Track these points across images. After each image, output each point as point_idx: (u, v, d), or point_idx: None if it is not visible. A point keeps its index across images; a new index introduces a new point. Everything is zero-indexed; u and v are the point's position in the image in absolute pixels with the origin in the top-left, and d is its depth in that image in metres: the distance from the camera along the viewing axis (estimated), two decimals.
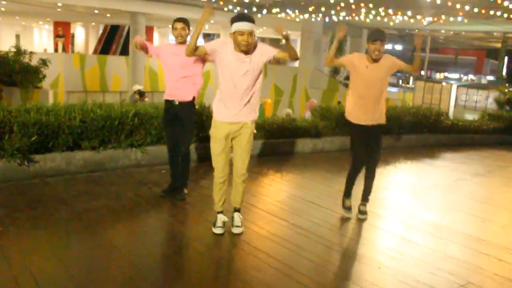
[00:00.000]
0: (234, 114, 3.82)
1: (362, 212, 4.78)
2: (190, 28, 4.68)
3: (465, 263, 3.81)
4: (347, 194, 4.83)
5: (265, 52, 3.79)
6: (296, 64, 26.43)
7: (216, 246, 3.88)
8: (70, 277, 3.13)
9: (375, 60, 4.44)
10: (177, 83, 4.67)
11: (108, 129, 5.62)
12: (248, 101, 3.85)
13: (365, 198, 4.83)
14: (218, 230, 4.02)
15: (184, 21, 4.65)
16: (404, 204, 5.43)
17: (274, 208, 4.87)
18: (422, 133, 9.72)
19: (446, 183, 6.73)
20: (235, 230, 4.06)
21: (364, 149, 4.66)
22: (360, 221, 4.70)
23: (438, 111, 10.35)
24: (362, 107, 4.58)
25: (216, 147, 3.92)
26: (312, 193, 5.47)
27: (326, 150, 8.06)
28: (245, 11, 21.32)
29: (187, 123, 4.76)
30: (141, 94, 11.82)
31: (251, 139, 3.97)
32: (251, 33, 3.58)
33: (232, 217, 4.12)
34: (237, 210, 4.14)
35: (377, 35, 4.36)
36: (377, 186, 5.82)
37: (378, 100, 4.57)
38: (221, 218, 4.06)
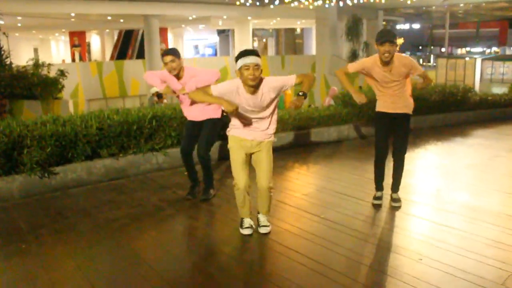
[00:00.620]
0: (249, 136, 3.76)
1: (395, 200, 4.56)
2: (180, 57, 4.51)
3: None
4: (378, 186, 4.63)
5: (274, 88, 3.61)
6: (313, 52, 26.04)
7: (246, 249, 3.71)
8: None
9: (387, 63, 4.19)
10: (189, 108, 4.69)
11: (126, 135, 5.50)
12: (266, 128, 3.77)
13: (395, 189, 4.62)
14: (246, 231, 3.87)
15: (173, 53, 4.46)
16: (439, 188, 5.14)
17: (303, 202, 4.66)
18: (450, 112, 9.34)
19: (480, 162, 6.39)
20: (263, 230, 3.89)
21: (386, 138, 4.48)
22: (395, 209, 4.46)
23: (465, 87, 9.91)
24: (384, 95, 4.41)
25: (235, 158, 3.78)
26: (341, 183, 5.24)
27: (351, 137, 7.80)
28: (257, 3, 21.07)
29: (209, 126, 4.66)
30: (159, 96, 11.74)
31: (271, 150, 3.84)
32: (256, 66, 3.45)
33: (258, 217, 3.97)
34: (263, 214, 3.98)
35: (385, 36, 4.07)
36: (407, 170, 5.54)
37: (400, 93, 4.36)
38: (248, 220, 3.92)
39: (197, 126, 4.74)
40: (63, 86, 13.53)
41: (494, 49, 45.12)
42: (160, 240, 3.89)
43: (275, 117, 3.80)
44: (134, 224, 4.17)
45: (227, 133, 3.85)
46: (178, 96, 4.71)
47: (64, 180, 5.12)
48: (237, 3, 19.74)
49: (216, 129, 4.79)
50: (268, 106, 3.66)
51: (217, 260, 3.52)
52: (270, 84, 3.58)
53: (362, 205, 4.57)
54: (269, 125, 3.76)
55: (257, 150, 3.78)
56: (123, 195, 4.98)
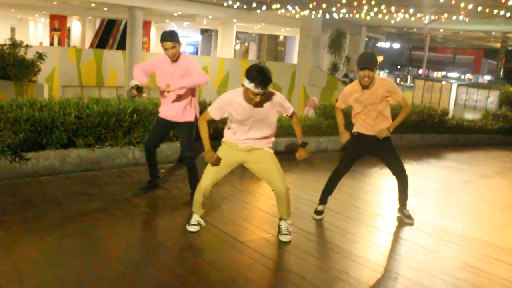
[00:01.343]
0: (245, 142, 3.72)
1: (409, 217, 4.62)
2: (180, 41, 4.39)
3: (486, 274, 3.58)
4: (324, 199, 4.62)
5: (277, 107, 3.67)
6: (295, 60, 26.17)
7: (219, 252, 3.63)
8: (62, 284, 2.88)
9: (366, 86, 4.22)
10: (169, 105, 4.53)
11: (104, 126, 5.35)
12: (265, 137, 3.75)
13: (405, 205, 4.67)
14: (192, 228, 3.86)
15: (173, 39, 4.30)
16: (414, 208, 5.17)
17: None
18: (427, 133, 9.50)
19: (454, 186, 6.51)
20: (284, 238, 3.84)
21: (356, 159, 4.56)
22: (409, 225, 4.54)
23: (443, 111, 10.12)
24: (366, 117, 4.40)
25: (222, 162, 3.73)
26: (317, 195, 5.14)
27: (330, 150, 7.83)
28: (245, 6, 21.05)
29: (187, 127, 4.53)
30: (138, 89, 11.54)
31: (274, 156, 3.82)
32: (263, 96, 3.45)
33: (279, 226, 3.94)
34: (285, 219, 3.94)
35: (365, 63, 4.09)
36: (383, 187, 5.61)
37: (380, 117, 4.38)
38: (196, 217, 3.91)
39: (169, 126, 4.63)
40: (39, 70, 13.19)
41: (468, 75, 46.45)
42: (132, 237, 3.77)
43: (273, 129, 3.78)
44: (106, 218, 4.04)
45: (222, 141, 3.82)
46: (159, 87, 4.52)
47: (36, 167, 4.93)
48: (225, 4, 19.68)
49: (194, 129, 4.62)
50: (263, 118, 3.62)
51: (190, 263, 3.43)
52: (272, 99, 3.59)
53: (338, 218, 4.57)
54: (269, 135, 3.74)
55: (255, 159, 3.73)
56: (96, 187, 4.83)
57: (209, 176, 3.74)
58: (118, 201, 4.47)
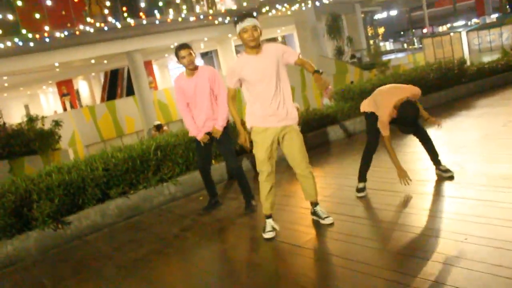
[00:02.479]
0: (271, 122, 3.75)
1: (447, 170, 4.56)
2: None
3: None
4: (363, 177, 4.60)
5: (276, 50, 3.70)
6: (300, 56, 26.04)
7: (280, 261, 3.53)
8: None
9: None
10: (201, 119, 4.70)
11: (133, 170, 5.36)
12: (285, 111, 3.75)
13: (439, 161, 4.61)
14: (268, 235, 3.85)
15: (188, 46, 4.54)
16: (463, 163, 4.97)
17: (326, 204, 4.49)
18: (450, 87, 9.20)
19: (495, 130, 6.23)
20: (327, 221, 3.90)
21: (378, 133, 4.43)
22: (450, 179, 4.48)
23: (460, 60, 9.80)
24: None
25: (259, 149, 3.79)
26: None
27: (358, 131, 7.65)
28: (235, 18, 21.12)
29: (224, 136, 4.66)
30: (158, 127, 11.65)
31: (300, 133, 3.87)
32: (254, 28, 3.56)
33: (315, 211, 4.01)
34: (316, 203, 4.01)
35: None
36: (424, 152, 5.40)
37: None
38: (270, 222, 3.91)
39: (209, 140, 4.76)
40: (60, 136, 13.47)
41: (474, 20, 45.27)
42: (190, 270, 3.71)
43: (288, 95, 3.78)
44: (160, 259, 4.00)
45: (247, 125, 3.85)
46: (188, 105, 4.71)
47: (79, 227, 4.96)
48: (216, 22, 19.79)
49: (230, 135, 4.78)
50: (274, 73, 3.65)
51: (254, 280, 3.33)
52: (271, 47, 3.69)
53: (388, 196, 4.40)
54: (286, 106, 3.73)
55: (284, 134, 3.77)
56: (141, 232, 4.81)
57: (263, 159, 3.76)
58: (167, 239, 4.44)
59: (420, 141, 4.58)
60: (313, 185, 3.94)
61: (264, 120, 3.72)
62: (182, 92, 4.64)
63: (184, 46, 4.50)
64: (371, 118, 4.43)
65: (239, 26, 3.55)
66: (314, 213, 4.03)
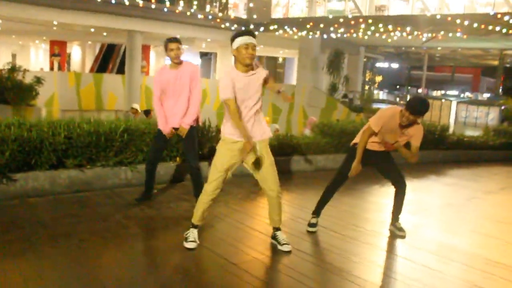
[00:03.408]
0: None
1: (401, 229, 4.57)
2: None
3: None
4: (319, 212, 4.62)
5: (263, 74, 3.78)
6: (294, 82, 26.21)
7: (213, 276, 3.44)
8: None
9: (404, 127, 4.22)
10: (172, 113, 4.69)
11: (95, 146, 5.21)
12: (256, 121, 3.77)
13: (396, 218, 4.62)
14: (190, 245, 3.79)
15: (178, 40, 4.63)
16: (419, 225, 4.99)
17: None
18: (428, 149, 9.33)
19: (459, 202, 6.32)
20: (285, 248, 3.84)
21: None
22: (402, 238, 4.48)
23: (443, 126, 9.98)
24: (378, 141, 4.38)
25: (219, 158, 3.75)
26: None
27: (328, 168, 7.64)
28: (243, 28, 21.16)
29: (191, 135, 4.67)
30: (147, 112, 11.42)
31: (270, 152, 3.84)
32: (254, 47, 3.58)
33: (275, 236, 3.94)
34: (278, 228, 3.96)
35: (416, 112, 4.04)
36: (385, 206, 5.43)
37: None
38: (194, 233, 3.88)
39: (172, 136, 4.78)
40: (37, 93, 13.17)
41: (467, 94, 46.50)
42: (121, 260, 3.58)
43: (262, 114, 3.84)
44: (95, 240, 3.86)
45: (221, 135, 3.82)
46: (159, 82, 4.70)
47: (24, 188, 4.78)
48: (222, 26, 19.80)
49: (195, 136, 4.80)
50: (258, 94, 3.71)
51: (180, 286, 3.23)
52: (260, 69, 3.75)
53: (336, 237, 4.37)
54: (262, 125, 3.77)
55: (257, 152, 3.72)
56: (86, 209, 4.66)
57: (218, 171, 3.72)
58: (108, 222, 4.30)
59: (395, 192, 4.55)
60: (280, 209, 3.89)
61: (237, 133, 3.68)
62: (160, 86, 4.66)
63: (175, 39, 4.59)
64: (355, 152, 4.39)
65: (241, 40, 3.52)
66: (273, 237, 3.97)
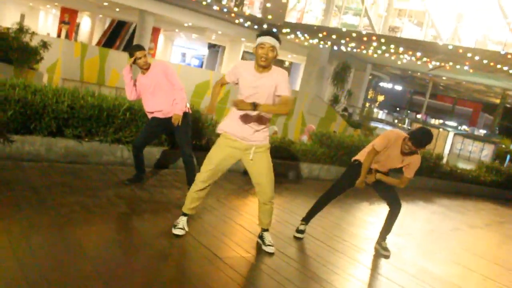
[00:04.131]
0: (242, 133, 3.66)
1: (386, 249, 4.62)
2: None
3: None
4: (308, 219, 4.66)
5: (277, 79, 3.53)
6: (297, 88, 26.27)
7: (195, 264, 3.45)
8: (25, 278, 2.69)
9: (409, 153, 4.30)
10: (154, 100, 4.75)
11: (96, 120, 5.21)
12: (260, 129, 3.68)
13: (385, 238, 4.69)
14: (178, 231, 3.80)
15: (144, 48, 4.76)
16: (400, 248, 5.05)
17: None
18: (420, 175, 9.41)
19: (442, 231, 6.39)
20: (269, 249, 3.87)
21: (349, 187, 4.57)
22: (385, 257, 4.53)
23: (438, 155, 10.07)
24: (379, 163, 4.45)
25: (215, 152, 3.74)
26: None
27: (321, 178, 7.70)
28: (255, 26, 21.18)
29: (183, 122, 4.71)
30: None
31: (270, 157, 3.78)
32: (271, 48, 3.46)
33: (262, 236, 3.96)
34: (267, 229, 3.98)
35: (419, 144, 4.12)
36: (373, 224, 5.48)
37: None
38: (183, 220, 3.88)
39: (163, 123, 4.79)
40: (41, 58, 13.09)
41: (465, 127, 46.89)
42: (108, 237, 3.59)
43: (267, 119, 3.70)
44: (83, 214, 3.86)
45: (218, 131, 3.80)
46: (135, 85, 4.78)
47: (20, 150, 4.77)
48: (236, 21, 19.80)
49: (190, 123, 4.85)
50: (266, 96, 3.52)
51: (163, 271, 3.25)
52: (279, 74, 3.53)
53: (322, 248, 4.41)
54: (263, 125, 3.67)
55: (250, 155, 3.66)
56: (78, 180, 4.65)
57: (210, 164, 3.70)
58: (99, 198, 4.30)
59: (389, 212, 4.60)
60: (271, 214, 3.91)
61: (236, 132, 3.65)
62: (138, 91, 4.82)
63: (140, 47, 4.69)
64: (356, 168, 4.45)
65: (259, 39, 3.49)
66: (260, 236, 4.00)
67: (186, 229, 3.88)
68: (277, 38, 3.48)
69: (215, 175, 3.78)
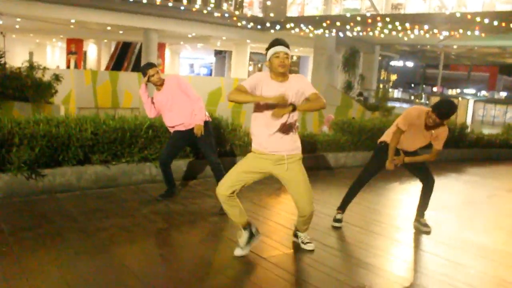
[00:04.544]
0: (272, 147, 3.46)
1: (426, 225, 4.61)
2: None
3: None
4: (344, 208, 4.66)
5: (302, 87, 3.39)
6: (309, 80, 26.22)
7: (242, 270, 3.49)
8: None
9: (429, 128, 4.27)
10: (173, 115, 4.82)
11: (120, 142, 5.30)
12: (290, 139, 3.49)
13: (422, 214, 4.67)
14: (237, 252, 3.58)
15: (155, 65, 4.81)
16: (442, 222, 4.99)
17: None
18: (446, 148, 9.27)
19: (479, 200, 6.30)
20: (308, 247, 3.81)
21: (379, 170, 4.58)
22: (426, 233, 4.51)
23: (462, 124, 9.92)
24: (407, 139, 4.43)
25: (241, 165, 3.53)
26: None
27: (348, 166, 7.67)
28: (258, 26, 21.20)
29: (204, 132, 4.74)
30: None
31: (303, 168, 3.61)
32: (286, 55, 3.37)
33: (297, 235, 3.90)
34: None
35: (442, 115, 4.07)
36: (407, 203, 5.45)
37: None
38: (243, 236, 3.61)
39: (186, 136, 4.83)
40: (56, 91, 13.34)
41: (484, 92, 46.04)
42: (150, 253, 3.66)
43: (294, 127, 3.53)
44: (124, 234, 3.93)
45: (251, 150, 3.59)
46: (153, 103, 4.83)
47: (52, 183, 4.88)
48: (239, 24, 19.85)
49: (211, 131, 4.89)
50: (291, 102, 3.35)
51: (211, 279, 3.29)
52: (298, 80, 3.44)
53: (362, 233, 4.40)
54: (292, 132, 3.49)
55: (284, 168, 3.48)
56: (112, 204, 4.74)
57: (227, 180, 3.48)
58: (135, 217, 4.38)
59: (422, 188, 4.61)
60: (309, 222, 3.74)
61: (262, 145, 3.48)
62: (156, 108, 4.87)
63: (152, 65, 4.74)
64: (383, 150, 4.45)
65: (272, 50, 3.36)
66: (295, 235, 3.92)
67: (246, 248, 3.63)
68: (288, 45, 3.40)
69: (237, 183, 3.48)
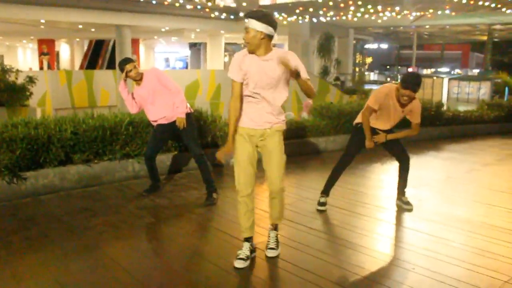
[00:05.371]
0: (257, 122, 3.29)
1: (407, 203, 4.72)
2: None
3: (503, 257, 3.51)
4: (327, 191, 4.77)
5: (284, 60, 3.11)
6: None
7: (232, 258, 3.54)
8: None
9: (403, 105, 4.37)
10: (155, 108, 4.79)
11: (101, 140, 5.28)
12: (275, 112, 3.30)
13: (403, 192, 4.79)
14: (238, 263, 3.29)
15: (133, 60, 4.80)
16: (423, 199, 5.13)
17: (286, 212, 4.50)
18: (424, 126, 9.45)
19: (459, 175, 6.46)
20: (270, 253, 3.47)
21: (359, 151, 4.71)
22: (409, 211, 4.64)
23: (439, 103, 10.12)
24: (383, 118, 4.54)
25: (239, 154, 3.33)
26: None
27: (329, 150, 7.77)
28: (231, 16, 21.11)
29: (187, 123, 4.74)
30: None
31: (282, 141, 3.40)
32: (246, 30, 3.16)
33: (269, 235, 3.57)
34: (275, 229, 3.59)
35: (411, 84, 4.14)
36: (389, 183, 5.56)
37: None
38: (247, 247, 3.40)
39: (169, 129, 4.83)
40: (31, 93, 13.14)
41: (457, 70, 46.78)
42: (140, 248, 3.68)
43: (279, 94, 3.28)
44: (112, 232, 3.95)
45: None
46: (133, 98, 4.81)
47: (35, 185, 4.85)
48: (212, 15, 19.74)
49: (193, 123, 4.90)
50: (275, 80, 3.20)
51: (202, 269, 3.34)
52: (292, 58, 3.16)
53: (347, 215, 4.50)
54: (277, 110, 3.29)
55: (263, 139, 3.30)
56: (98, 202, 4.74)
57: (241, 171, 3.30)
58: (121, 214, 4.39)
59: (399, 167, 4.73)
60: (281, 208, 3.50)
61: (250, 121, 3.29)
62: (138, 103, 4.86)
63: (129, 60, 4.71)
64: (360, 131, 4.55)
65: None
66: (269, 236, 3.61)
67: (247, 258, 3.37)
68: (254, 17, 3.12)
69: (250, 177, 3.34)
